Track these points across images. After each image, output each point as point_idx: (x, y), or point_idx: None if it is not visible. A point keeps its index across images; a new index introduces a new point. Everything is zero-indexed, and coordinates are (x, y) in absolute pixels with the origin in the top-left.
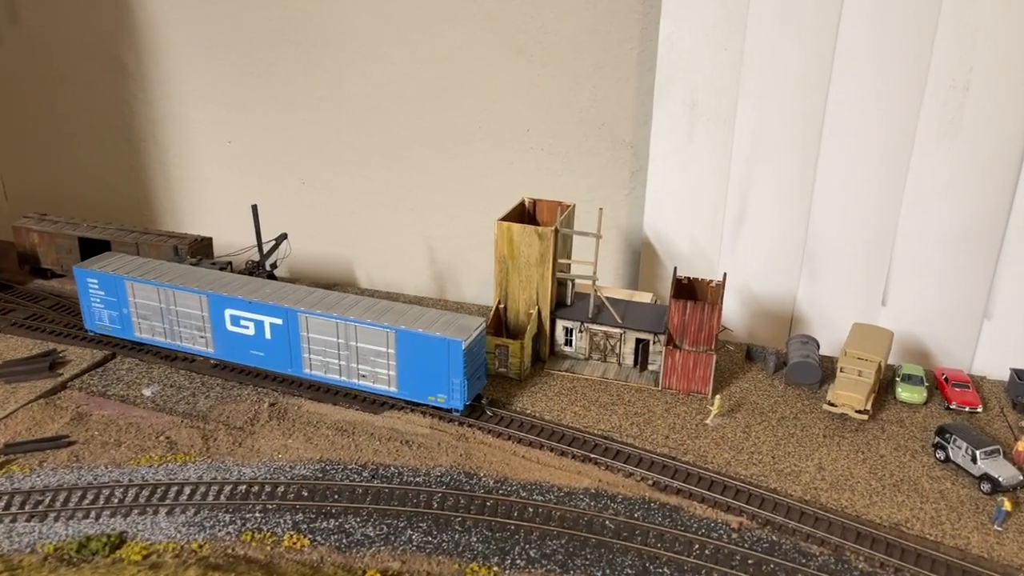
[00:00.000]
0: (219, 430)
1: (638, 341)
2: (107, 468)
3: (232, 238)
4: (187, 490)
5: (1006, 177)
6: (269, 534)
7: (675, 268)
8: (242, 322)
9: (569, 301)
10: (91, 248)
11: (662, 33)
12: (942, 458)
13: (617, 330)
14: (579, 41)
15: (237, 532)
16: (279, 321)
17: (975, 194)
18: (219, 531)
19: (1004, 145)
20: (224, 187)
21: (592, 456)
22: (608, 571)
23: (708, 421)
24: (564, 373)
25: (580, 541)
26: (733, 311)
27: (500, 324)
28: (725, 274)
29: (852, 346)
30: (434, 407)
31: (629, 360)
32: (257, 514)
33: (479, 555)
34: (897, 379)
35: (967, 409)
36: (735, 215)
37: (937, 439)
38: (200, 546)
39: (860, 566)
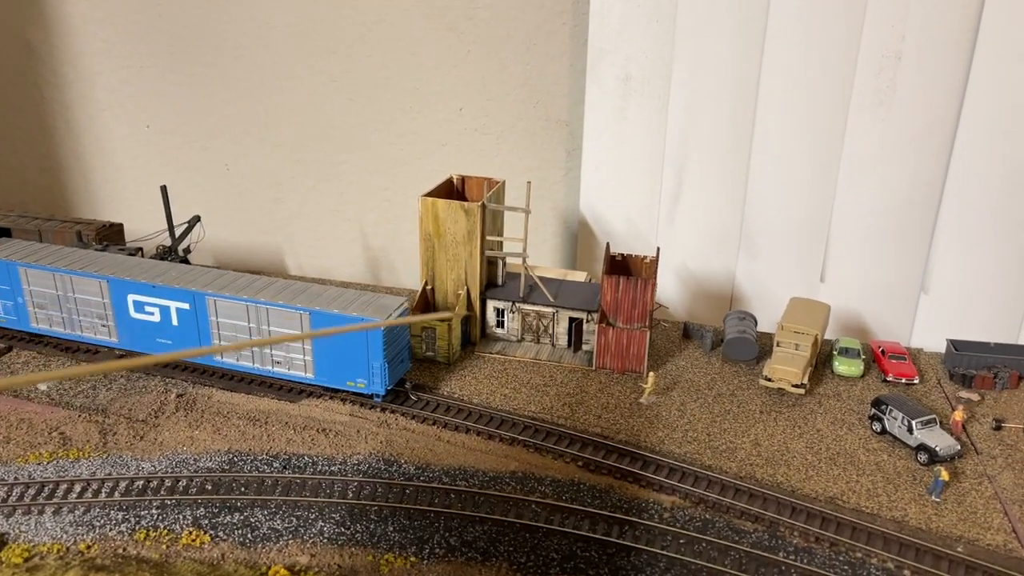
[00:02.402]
0: (119, 424)
1: (571, 320)
2: None
3: (154, 225)
4: (77, 488)
5: (939, 147)
6: (166, 531)
7: (607, 244)
8: (147, 308)
9: (500, 281)
10: None
11: (593, 5)
12: (878, 430)
13: (550, 310)
14: (510, 16)
15: (130, 530)
16: (186, 306)
17: (910, 165)
18: (110, 530)
19: (937, 115)
20: (144, 173)
21: (520, 439)
22: (533, 556)
23: (642, 400)
24: (495, 355)
25: (504, 526)
26: (672, 290)
27: (427, 306)
28: (658, 249)
29: (789, 320)
30: (355, 393)
31: (563, 340)
32: (153, 511)
33: (395, 545)
34: (834, 352)
35: (904, 381)
36: (671, 193)
37: (873, 411)
38: (88, 547)
39: (795, 541)
